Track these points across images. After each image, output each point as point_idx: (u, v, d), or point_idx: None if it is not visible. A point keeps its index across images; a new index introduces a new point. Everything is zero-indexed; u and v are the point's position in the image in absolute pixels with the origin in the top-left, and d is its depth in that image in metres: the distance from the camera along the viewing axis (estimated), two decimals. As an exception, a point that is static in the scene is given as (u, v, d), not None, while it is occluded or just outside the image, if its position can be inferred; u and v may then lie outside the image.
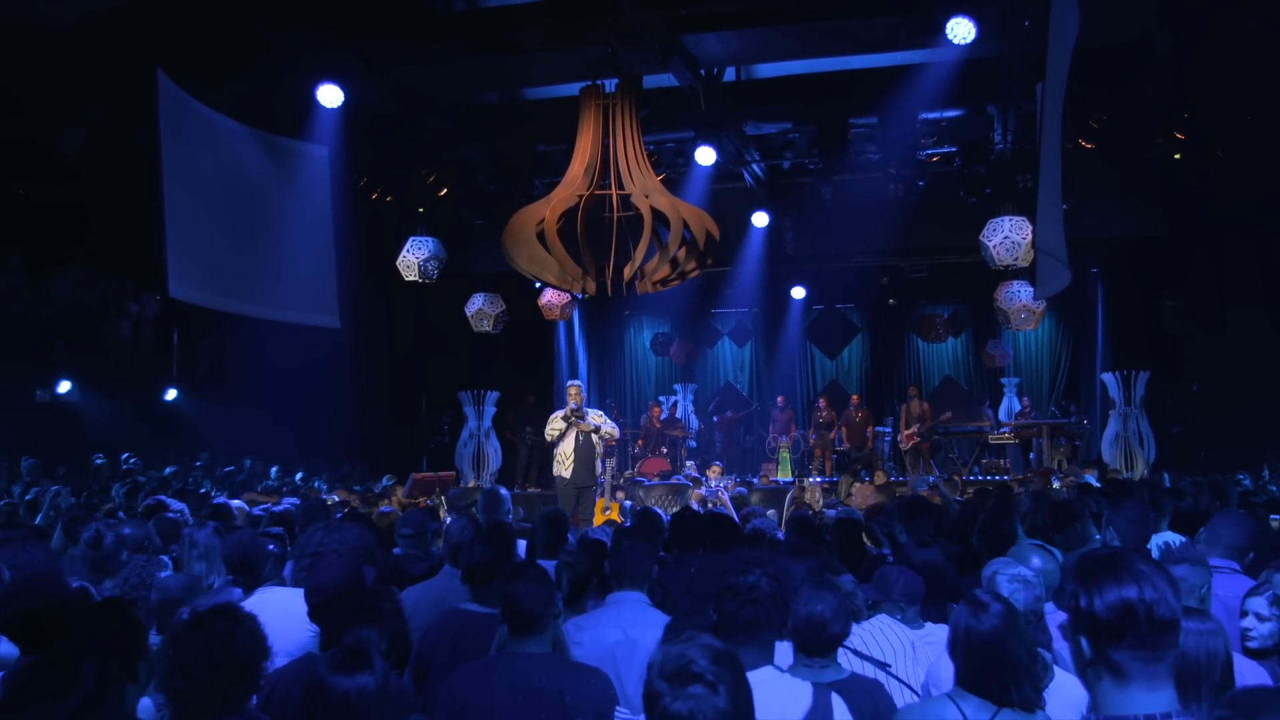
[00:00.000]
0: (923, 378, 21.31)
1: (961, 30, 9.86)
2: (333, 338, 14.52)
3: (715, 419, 20.50)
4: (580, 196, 9.44)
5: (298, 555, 4.50)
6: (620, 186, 9.57)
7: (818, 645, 3.51)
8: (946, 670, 3.68)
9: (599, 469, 11.10)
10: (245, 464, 15.22)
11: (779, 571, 3.37)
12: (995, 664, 3.10)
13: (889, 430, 19.44)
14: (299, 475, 15.05)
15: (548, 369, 21.01)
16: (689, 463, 16.81)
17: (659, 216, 9.44)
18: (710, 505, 10.53)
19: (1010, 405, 19.79)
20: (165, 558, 5.18)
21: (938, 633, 4.44)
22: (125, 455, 13.65)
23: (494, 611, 4.43)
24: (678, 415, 20.38)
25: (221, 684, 2.90)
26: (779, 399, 20.12)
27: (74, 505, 6.68)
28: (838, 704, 3.11)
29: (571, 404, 10.95)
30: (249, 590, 4.57)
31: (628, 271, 9.53)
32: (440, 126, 14.11)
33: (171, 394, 16.08)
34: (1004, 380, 20.47)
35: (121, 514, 7.37)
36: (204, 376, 16.71)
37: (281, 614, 3.87)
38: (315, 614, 3.65)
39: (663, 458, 17.83)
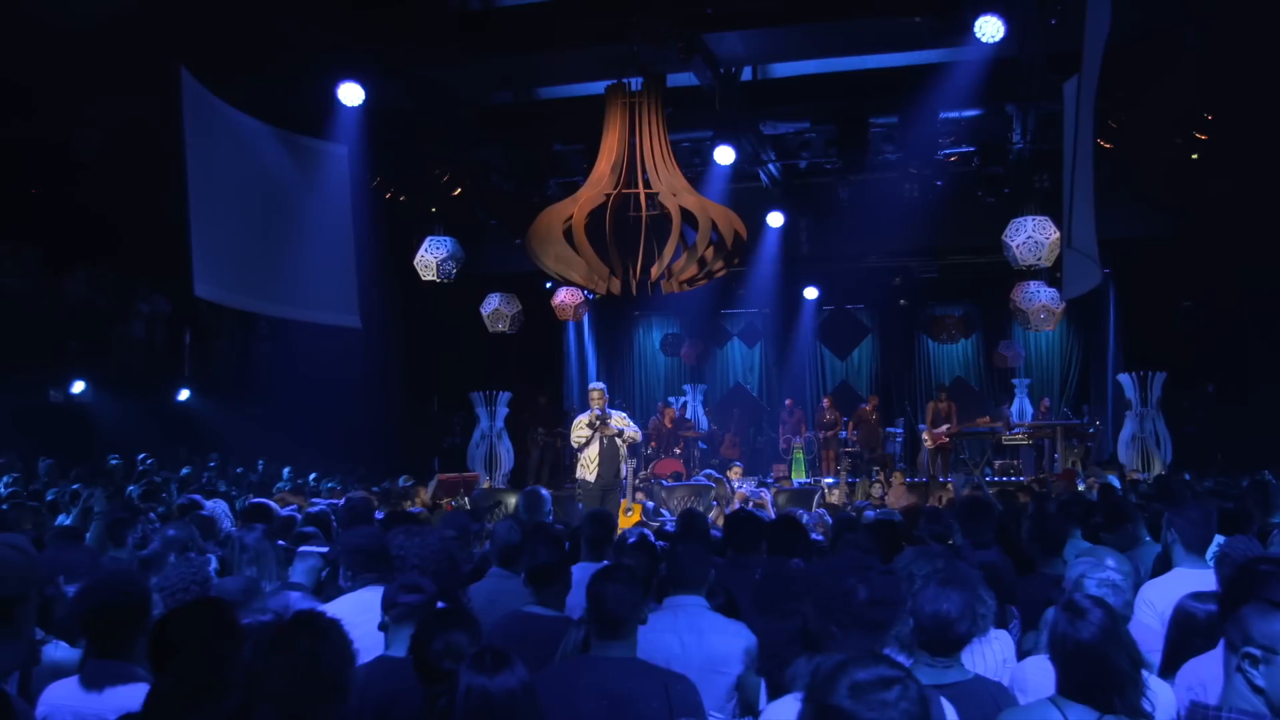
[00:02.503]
0: (933, 379, 21.24)
1: (990, 28, 9.80)
2: (344, 338, 14.46)
3: (723, 434, 20.39)
4: (607, 195, 9.39)
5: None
6: (647, 185, 9.51)
7: (942, 645, 3.43)
8: (1034, 674, 3.62)
9: (623, 471, 11.01)
10: (259, 465, 15.12)
11: (885, 573, 3.31)
12: (1097, 674, 3.02)
13: (900, 431, 19.41)
14: (312, 476, 14.94)
15: (558, 370, 20.98)
16: (707, 471, 16.62)
17: (685, 216, 9.39)
18: (751, 506, 10.45)
19: (1021, 406, 19.75)
20: (211, 556, 5.10)
21: (1003, 637, 4.38)
22: (142, 456, 13.56)
23: (558, 614, 4.39)
24: (687, 416, 20.33)
25: (309, 704, 2.83)
26: (788, 401, 20.07)
27: (116, 506, 6.61)
28: (948, 710, 3.04)
29: (595, 409, 10.86)
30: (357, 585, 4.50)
31: (655, 271, 9.47)
32: (455, 126, 14.04)
33: (184, 394, 15.99)
34: (1015, 381, 20.43)
35: (152, 515, 7.29)
36: (216, 377, 16.63)
37: (346, 616, 3.80)
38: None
39: (676, 458, 17.75)
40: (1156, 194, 15.92)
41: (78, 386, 14.35)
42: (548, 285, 18.60)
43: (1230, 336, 16.64)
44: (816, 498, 10.57)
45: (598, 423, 10.76)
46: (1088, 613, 3.12)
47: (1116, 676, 3.03)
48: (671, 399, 21.33)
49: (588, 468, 10.70)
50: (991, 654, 4.04)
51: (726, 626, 4.19)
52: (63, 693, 3.27)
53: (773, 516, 8.14)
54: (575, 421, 11.22)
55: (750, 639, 4.18)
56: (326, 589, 5.44)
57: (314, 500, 9.25)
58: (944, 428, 17.25)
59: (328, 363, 15.83)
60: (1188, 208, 15.86)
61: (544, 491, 6.91)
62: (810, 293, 19.94)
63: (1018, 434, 17.52)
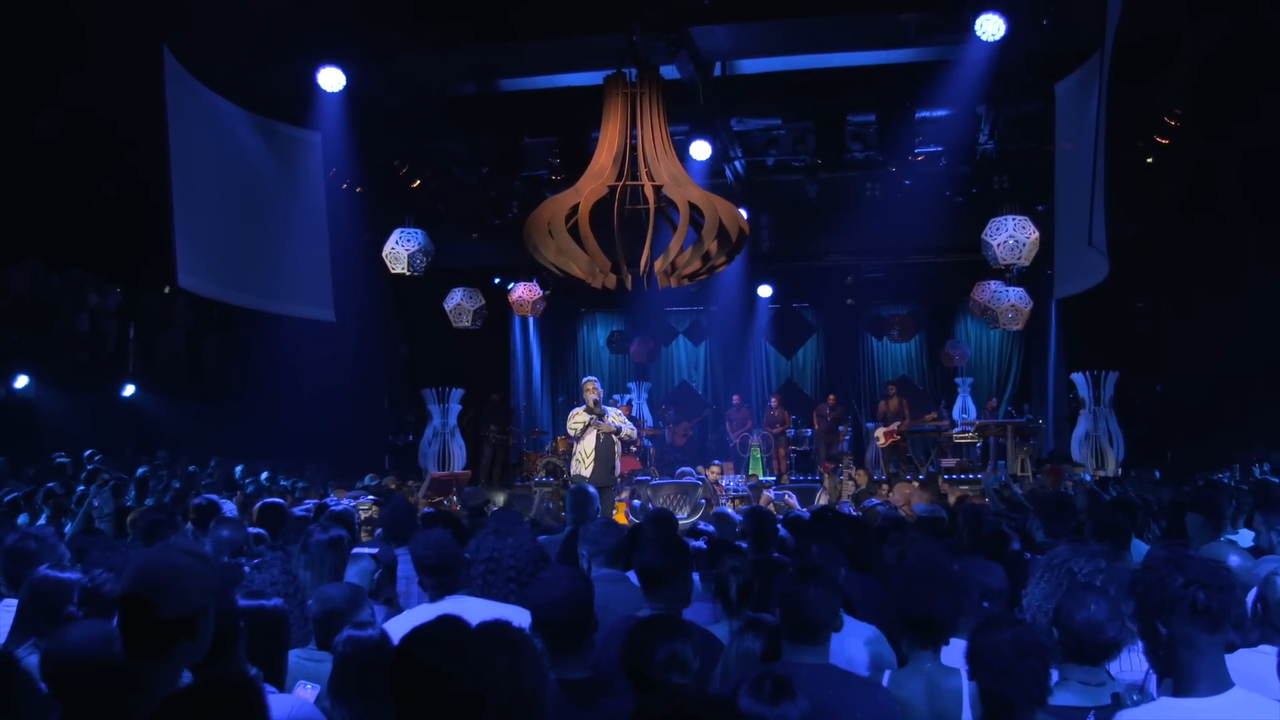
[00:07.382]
0: (878, 377, 21.41)
1: (991, 26, 9.79)
2: (295, 333, 14.05)
3: (668, 429, 20.27)
4: (611, 187, 9.16)
5: (471, 562, 4.24)
6: (650, 177, 9.30)
7: (1093, 652, 3.25)
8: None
9: (617, 469, 10.81)
10: (211, 464, 14.54)
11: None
12: None
13: (848, 429, 19.49)
14: (264, 475, 14.42)
15: (504, 366, 20.67)
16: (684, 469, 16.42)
17: (690, 208, 9.20)
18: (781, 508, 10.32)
19: (964, 404, 19.96)
20: (276, 558, 4.79)
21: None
22: (89, 453, 12.95)
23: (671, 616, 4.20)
24: (633, 414, 20.16)
25: None
26: (735, 398, 20.04)
27: (152, 509, 6.21)
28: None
29: (592, 397, 10.64)
30: (439, 596, 4.25)
31: (660, 264, 9.28)
32: (420, 117, 13.65)
33: (129, 390, 15.35)
34: (958, 380, 20.64)
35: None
36: (162, 372, 16.01)
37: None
38: (546, 628, 3.35)
39: (633, 456, 17.54)
40: (1109, 195, 16.09)
41: (21, 381, 13.66)
42: (496, 281, 18.33)
43: (1178, 338, 16.92)
44: (816, 498, 10.49)
45: (595, 410, 10.53)
46: None
47: None
48: (617, 397, 21.15)
49: (583, 464, 10.47)
50: (1138, 665, 3.94)
51: (861, 630, 4.05)
52: None
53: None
54: (571, 413, 10.99)
55: (882, 643, 4.04)
56: (383, 591, 5.20)
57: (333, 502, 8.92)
58: (895, 425, 17.34)
59: (277, 358, 15.33)
60: (1137, 210, 16.06)
61: (591, 490, 6.69)
62: (765, 290, 19.91)
63: (968, 432, 17.66)
